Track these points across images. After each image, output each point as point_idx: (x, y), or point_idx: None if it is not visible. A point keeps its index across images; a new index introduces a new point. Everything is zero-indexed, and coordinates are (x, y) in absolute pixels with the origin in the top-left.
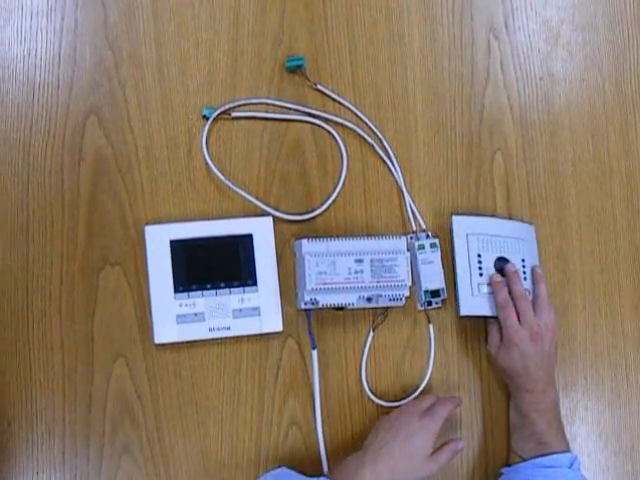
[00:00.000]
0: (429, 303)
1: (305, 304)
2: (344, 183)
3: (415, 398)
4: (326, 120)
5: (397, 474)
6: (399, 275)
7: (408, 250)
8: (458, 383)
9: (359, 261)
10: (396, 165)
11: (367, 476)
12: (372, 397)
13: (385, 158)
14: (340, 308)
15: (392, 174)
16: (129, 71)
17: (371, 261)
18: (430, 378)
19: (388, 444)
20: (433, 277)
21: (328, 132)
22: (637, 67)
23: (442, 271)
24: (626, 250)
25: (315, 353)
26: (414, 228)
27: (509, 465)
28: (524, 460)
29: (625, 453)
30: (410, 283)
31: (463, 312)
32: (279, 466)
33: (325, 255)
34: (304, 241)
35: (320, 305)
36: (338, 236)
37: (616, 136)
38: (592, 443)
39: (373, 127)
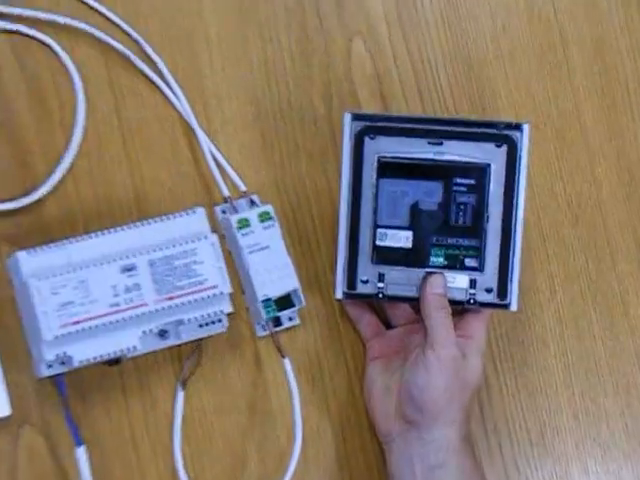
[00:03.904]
0: (276, 321)
1: (49, 368)
2: (85, 132)
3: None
4: (38, 23)
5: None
6: (206, 278)
7: (214, 232)
8: (344, 452)
9: (129, 269)
10: (177, 91)
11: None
12: None
13: (156, 79)
14: (115, 361)
15: (173, 106)
16: None
17: (151, 264)
18: (300, 451)
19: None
20: (275, 272)
21: (44, 44)
22: None
23: (289, 258)
24: None
25: (83, 451)
26: (226, 193)
27: None
28: None
29: None
30: (230, 289)
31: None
32: None
33: (66, 271)
34: (21, 255)
35: (76, 363)
36: (86, 232)
37: None
38: None
39: (130, 30)
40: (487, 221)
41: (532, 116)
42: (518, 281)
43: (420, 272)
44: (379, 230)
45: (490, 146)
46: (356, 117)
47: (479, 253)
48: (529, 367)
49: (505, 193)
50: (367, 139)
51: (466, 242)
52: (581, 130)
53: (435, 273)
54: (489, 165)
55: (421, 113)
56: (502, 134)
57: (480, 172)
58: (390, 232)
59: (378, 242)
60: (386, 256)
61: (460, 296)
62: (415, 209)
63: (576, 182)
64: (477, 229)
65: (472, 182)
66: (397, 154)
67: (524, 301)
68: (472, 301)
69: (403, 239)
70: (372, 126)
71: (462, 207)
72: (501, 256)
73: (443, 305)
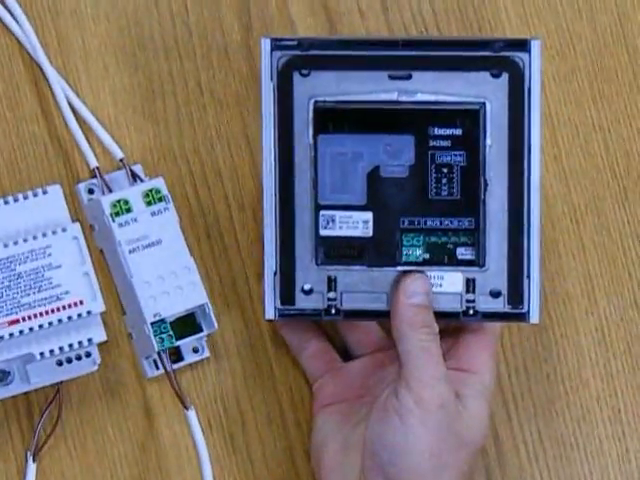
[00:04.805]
0: (175, 354)
1: None
2: None
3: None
4: None
5: None
6: (65, 291)
7: (77, 221)
8: None
9: None
10: (16, 9)
11: None
12: None
13: None
14: None
15: (10, 31)
16: None
17: None
18: None
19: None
20: (171, 281)
21: None
22: None
23: (192, 259)
24: None
25: None
26: (93, 163)
27: None
28: None
29: None
30: (102, 307)
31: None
32: None
33: None
34: None
35: None
36: None
37: None
38: None
39: None
40: (485, 190)
41: (555, 37)
42: (539, 277)
43: (390, 273)
44: (323, 213)
45: (483, 76)
46: (279, 44)
47: (476, 239)
48: (560, 414)
49: (510, 147)
50: (297, 76)
51: (455, 223)
52: (629, 56)
53: (412, 273)
54: (483, 105)
55: (387, 34)
56: (500, 57)
57: (470, 116)
58: (340, 215)
59: (323, 231)
60: (337, 251)
61: (453, 305)
62: (375, 178)
63: (624, 136)
64: (471, 203)
65: (458, 132)
66: (342, 96)
67: (549, 314)
68: (471, 311)
69: (360, 225)
70: (304, 56)
71: (446, 171)
72: (510, 242)
73: (425, 322)
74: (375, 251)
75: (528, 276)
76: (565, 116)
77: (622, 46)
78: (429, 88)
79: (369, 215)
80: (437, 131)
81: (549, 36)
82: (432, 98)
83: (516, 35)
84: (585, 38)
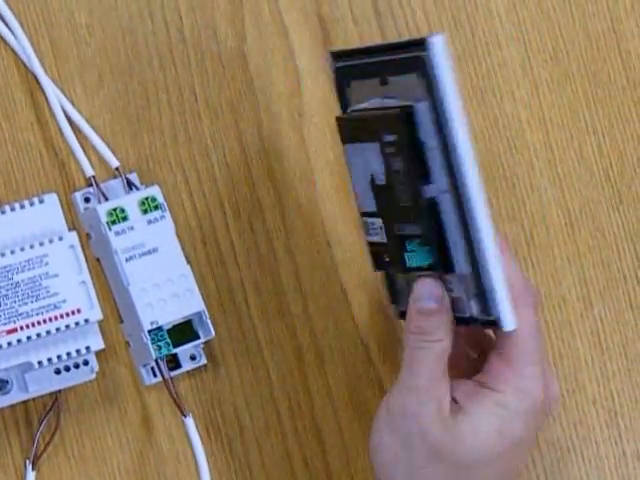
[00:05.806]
0: (173, 362)
1: None
2: None
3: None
4: None
5: None
6: (63, 299)
7: (73, 229)
8: None
9: None
10: (9, 17)
11: None
12: None
13: None
14: None
15: (4, 41)
16: None
17: None
18: None
19: None
20: (168, 288)
21: None
22: None
23: (189, 266)
24: None
25: None
26: (89, 171)
27: None
28: None
29: None
30: (100, 315)
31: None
32: None
33: None
34: None
35: None
36: None
37: None
38: None
39: None
40: (420, 195)
41: (548, 42)
42: (502, 280)
43: (409, 279)
44: (364, 220)
45: (411, 79)
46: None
47: (427, 242)
48: (556, 418)
49: (442, 146)
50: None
51: (414, 229)
52: (622, 61)
53: (421, 277)
54: (410, 108)
55: (381, 41)
56: (413, 57)
57: (400, 121)
58: (370, 221)
59: (368, 237)
60: (373, 258)
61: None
62: (374, 185)
63: (617, 140)
64: (421, 208)
65: (394, 138)
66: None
67: (545, 318)
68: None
69: (379, 230)
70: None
71: (398, 177)
72: (467, 246)
73: (426, 329)
74: (389, 257)
75: (490, 278)
76: (559, 120)
77: (615, 51)
78: (373, 95)
79: (379, 221)
80: (386, 138)
81: (542, 41)
82: (377, 104)
83: (508, 40)
84: (578, 43)
